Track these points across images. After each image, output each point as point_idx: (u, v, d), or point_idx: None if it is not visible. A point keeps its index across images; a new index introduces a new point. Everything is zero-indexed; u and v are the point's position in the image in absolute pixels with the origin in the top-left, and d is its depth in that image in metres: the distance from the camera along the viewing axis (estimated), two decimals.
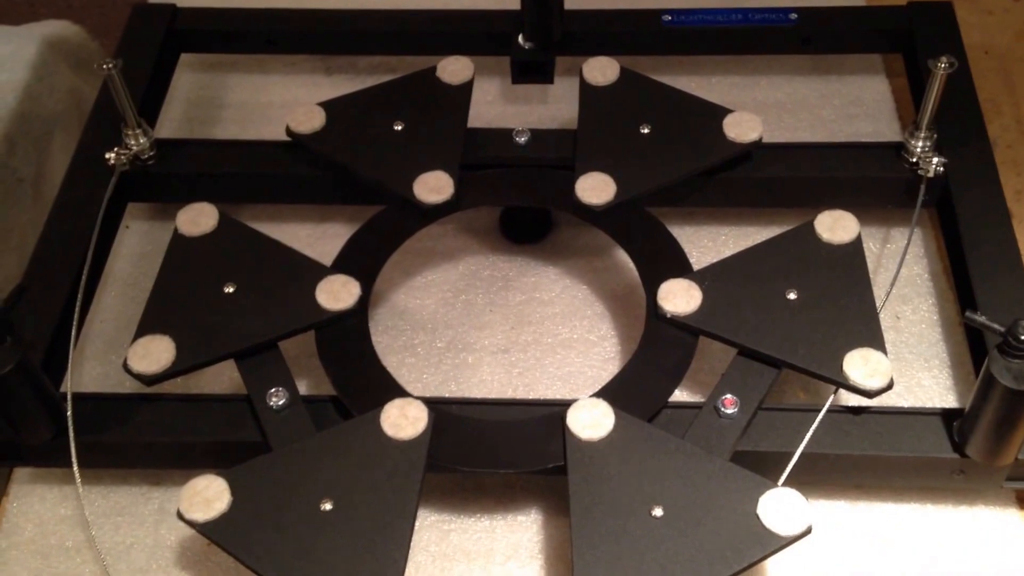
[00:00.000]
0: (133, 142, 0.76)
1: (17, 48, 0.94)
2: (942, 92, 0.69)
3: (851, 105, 0.85)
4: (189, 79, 0.92)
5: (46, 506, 0.68)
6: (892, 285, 0.68)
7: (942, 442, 0.61)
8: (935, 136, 0.72)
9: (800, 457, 0.60)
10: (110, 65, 0.72)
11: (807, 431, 0.60)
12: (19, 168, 0.89)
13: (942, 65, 0.67)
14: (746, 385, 0.62)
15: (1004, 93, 0.84)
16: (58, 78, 0.95)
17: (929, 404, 0.69)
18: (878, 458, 0.61)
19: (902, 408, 0.63)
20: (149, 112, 0.81)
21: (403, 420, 0.60)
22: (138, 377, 0.64)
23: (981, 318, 0.55)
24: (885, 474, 0.63)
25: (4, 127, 0.87)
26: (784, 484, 0.57)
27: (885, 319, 0.68)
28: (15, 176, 0.89)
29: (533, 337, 0.74)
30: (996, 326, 0.55)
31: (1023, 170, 0.80)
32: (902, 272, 0.74)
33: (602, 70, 0.77)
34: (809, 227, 0.68)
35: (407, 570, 0.56)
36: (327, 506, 0.58)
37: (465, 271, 0.78)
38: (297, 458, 0.60)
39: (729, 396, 0.61)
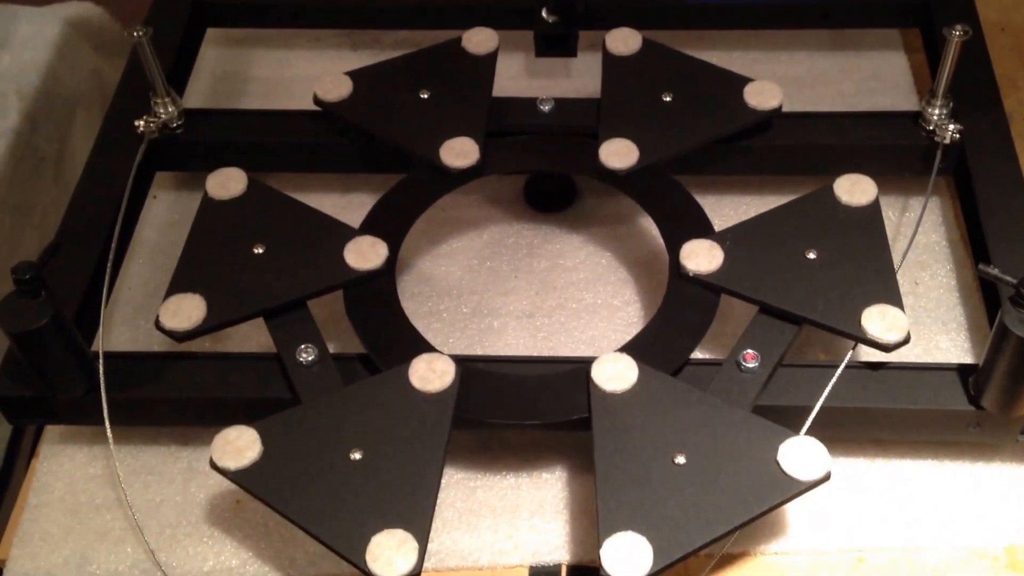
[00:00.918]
0: (162, 110, 0.78)
1: (41, 28, 0.95)
2: (957, 59, 0.70)
3: (870, 79, 0.86)
4: (215, 54, 0.93)
5: (76, 465, 0.70)
6: (908, 248, 0.69)
7: (958, 395, 0.62)
8: (951, 104, 0.73)
9: (819, 411, 0.61)
10: (140, 32, 0.73)
11: (827, 386, 0.61)
12: (41, 147, 0.91)
13: (957, 32, 0.68)
14: (767, 341, 0.63)
15: (1020, 68, 0.85)
16: (80, 59, 0.97)
17: None
18: (895, 411, 0.62)
19: (919, 363, 0.64)
20: (176, 85, 0.82)
21: (431, 373, 0.62)
22: (170, 334, 0.66)
23: (994, 270, 0.57)
24: (903, 428, 0.64)
25: (27, 106, 0.89)
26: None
27: (904, 284, 0.70)
28: (37, 155, 0.90)
29: (557, 302, 0.75)
30: (1009, 278, 0.56)
31: None
32: (921, 239, 0.75)
33: (624, 40, 0.78)
34: (828, 190, 0.69)
35: (434, 525, 0.57)
36: (356, 456, 0.59)
37: (490, 239, 0.79)
38: (326, 410, 0.61)
39: (750, 351, 0.62)
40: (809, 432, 0.60)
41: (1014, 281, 0.56)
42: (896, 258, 0.67)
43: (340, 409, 0.61)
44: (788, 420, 0.60)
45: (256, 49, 0.93)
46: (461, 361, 0.63)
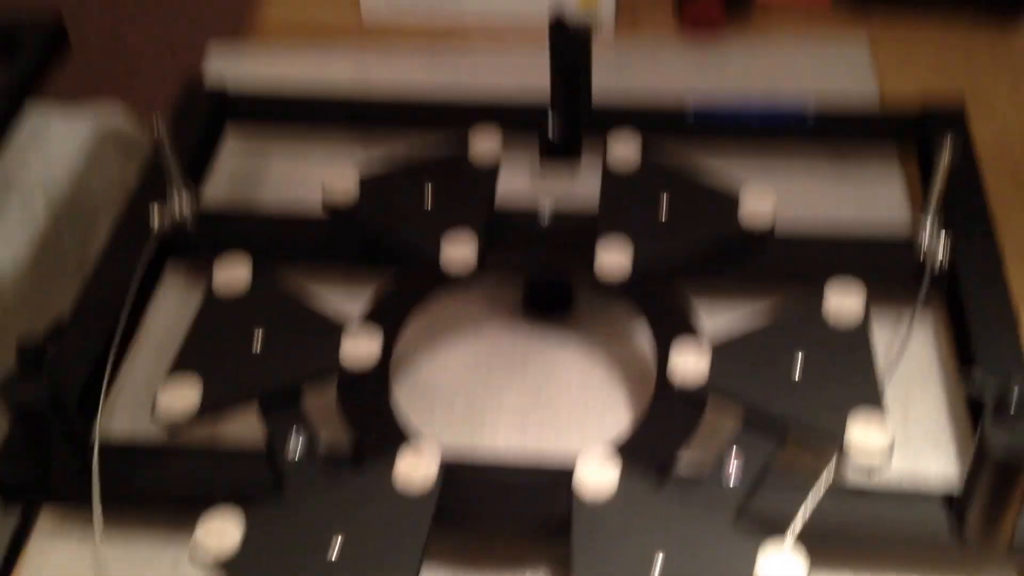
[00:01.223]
0: (177, 203, 0.80)
1: (71, 130, 0.99)
2: (948, 175, 0.71)
3: (866, 203, 0.87)
4: (233, 155, 0.96)
5: (64, 556, 0.70)
6: (896, 366, 0.70)
7: (941, 520, 0.62)
8: (943, 224, 0.75)
9: (800, 525, 0.61)
10: (158, 122, 0.76)
11: (810, 500, 0.62)
12: (64, 246, 0.93)
13: (947, 148, 0.70)
14: (752, 449, 0.63)
15: (1016, 193, 0.87)
16: (107, 162, 1.00)
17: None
18: (876, 531, 0.62)
19: (903, 485, 0.65)
20: (195, 176, 0.85)
21: (414, 471, 0.62)
22: (164, 421, 0.67)
23: (977, 378, 0.57)
24: (884, 546, 0.64)
25: (53, 206, 0.92)
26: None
27: (894, 404, 0.70)
28: (60, 254, 0.92)
29: (549, 407, 0.76)
30: (990, 390, 0.56)
31: None
32: (913, 360, 0.76)
33: (625, 148, 0.80)
34: (817, 297, 0.70)
35: None
36: (335, 549, 0.59)
37: (488, 342, 0.80)
38: (309, 502, 0.62)
39: (734, 459, 0.63)
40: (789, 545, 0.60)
41: (994, 393, 0.56)
42: (886, 376, 0.67)
43: (322, 502, 0.62)
44: (770, 531, 0.60)
45: (273, 152, 0.96)
46: (446, 460, 0.63)
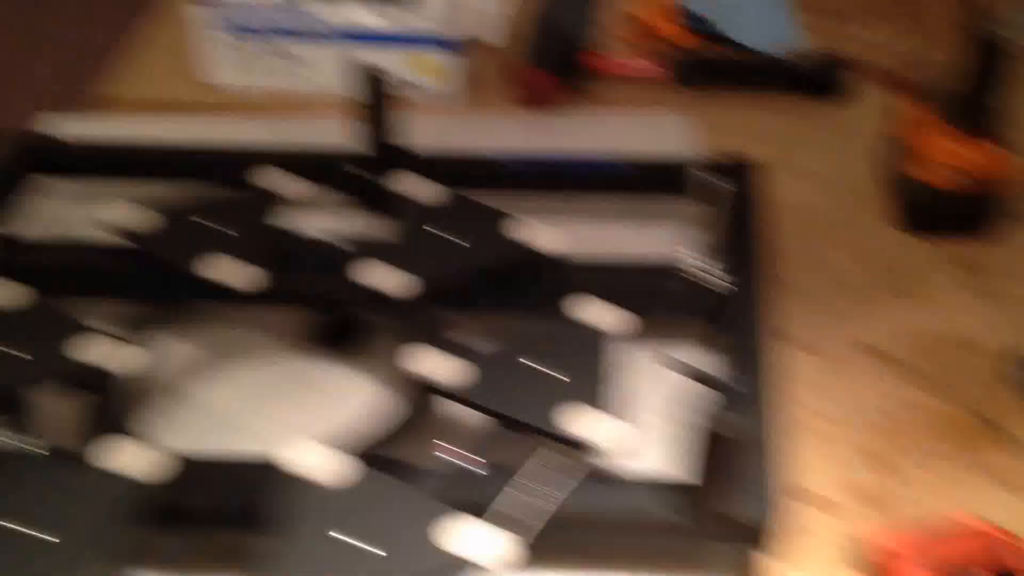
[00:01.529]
0: None
1: None
2: (726, 219, 0.76)
3: (656, 242, 0.87)
4: (44, 201, 0.95)
5: None
6: (658, 380, 0.70)
7: (678, 505, 0.62)
8: (720, 262, 0.77)
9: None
10: None
11: (518, 487, 0.61)
12: None
13: (720, 186, 0.73)
14: (488, 447, 0.64)
15: (806, 244, 0.89)
16: None
17: None
18: (609, 520, 0.62)
19: (646, 477, 0.64)
20: None
21: (134, 462, 0.62)
22: None
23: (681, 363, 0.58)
24: (621, 534, 0.64)
25: None
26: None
27: (662, 426, 0.69)
28: None
29: (308, 421, 0.75)
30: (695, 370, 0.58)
31: (817, 308, 0.84)
32: (687, 384, 0.75)
33: (424, 184, 0.83)
34: (564, 309, 0.71)
35: None
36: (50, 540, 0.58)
37: (268, 371, 0.79)
38: (25, 495, 0.61)
39: (465, 452, 0.63)
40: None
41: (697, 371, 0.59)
42: (658, 400, 0.69)
43: (41, 496, 0.61)
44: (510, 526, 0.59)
45: (82, 192, 0.95)
46: (170, 456, 0.63)
